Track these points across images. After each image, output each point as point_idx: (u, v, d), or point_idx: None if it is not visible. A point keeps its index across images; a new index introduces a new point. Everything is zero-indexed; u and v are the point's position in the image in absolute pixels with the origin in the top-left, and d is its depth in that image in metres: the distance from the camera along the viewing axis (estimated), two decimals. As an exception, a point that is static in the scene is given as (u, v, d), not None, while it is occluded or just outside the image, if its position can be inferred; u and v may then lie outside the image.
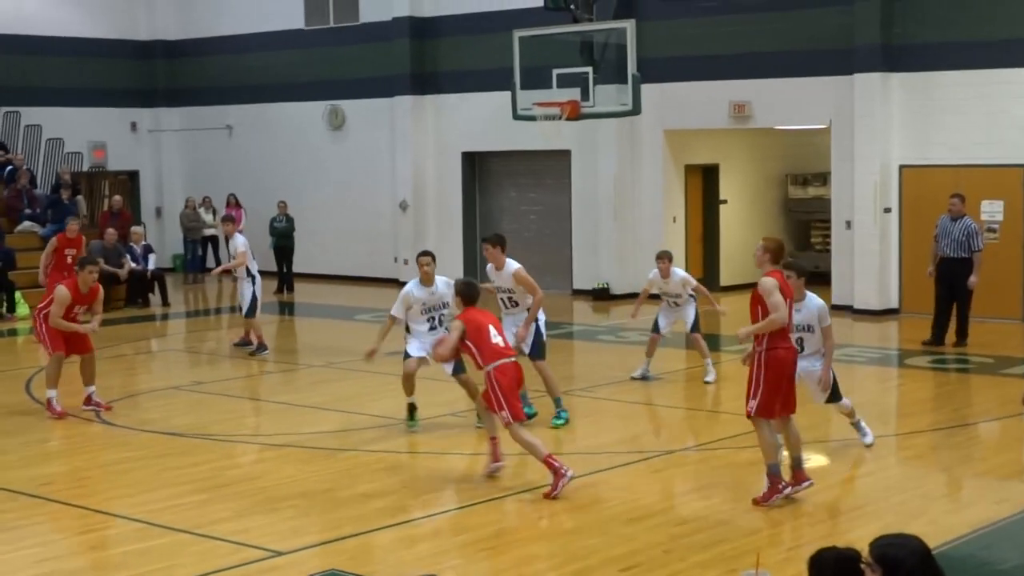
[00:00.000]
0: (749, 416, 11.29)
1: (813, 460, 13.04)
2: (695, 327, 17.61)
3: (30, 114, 31.01)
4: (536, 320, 14.56)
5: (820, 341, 12.76)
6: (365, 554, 10.16)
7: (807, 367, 12.63)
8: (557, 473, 11.51)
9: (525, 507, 11.42)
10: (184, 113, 34.05)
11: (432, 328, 14.28)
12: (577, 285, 27.39)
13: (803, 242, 29.05)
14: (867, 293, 23.75)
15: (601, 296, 26.49)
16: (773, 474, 11.25)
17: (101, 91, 32.85)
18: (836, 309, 24.01)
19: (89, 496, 11.99)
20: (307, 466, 12.95)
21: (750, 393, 11.22)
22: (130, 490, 12.09)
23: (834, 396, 13.01)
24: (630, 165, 26.71)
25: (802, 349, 12.50)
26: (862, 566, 5.72)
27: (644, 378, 17.46)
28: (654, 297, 17.93)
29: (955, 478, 12.69)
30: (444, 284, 14.20)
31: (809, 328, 12.71)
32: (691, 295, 17.67)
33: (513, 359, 12.01)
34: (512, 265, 14.55)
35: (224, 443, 13.74)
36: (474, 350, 11.84)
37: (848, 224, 24.12)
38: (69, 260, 21.47)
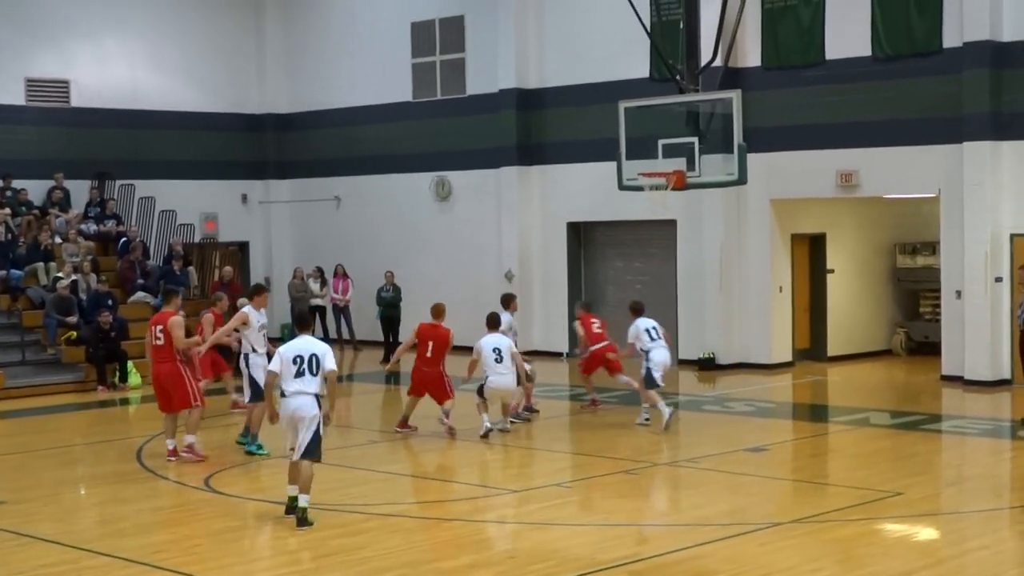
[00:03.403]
0: None
1: (923, 533, 12.88)
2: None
3: (144, 186, 31.63)
4: None
5: None
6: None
7: None
8: None
9: (630, 579, 11.36)
10: (293, 185, 34.55)
11: None
12: (683, 355, 27.25)
13: (912, 312, 28.72)
14: (978, 364, 23.39)
15: (707, 366, 26.35)
16: None
17: (213, 163, 33.47)
18: (947, 380, 23.74)
19: (199, 564, 12.12)
20: (412, 536, 13.00)
21: None
22: (238, 559, 12.21)
23: None
24: (736, 234, 26.62)
25: None
26: None
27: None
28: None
29: (1070, 553, 12.44)
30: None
31: None
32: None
33: None
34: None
35: (330, 512, 13.83)
36: None
37: (958, 294, 23.81)
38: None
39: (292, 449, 13.48)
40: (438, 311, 19.39)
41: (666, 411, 18.83)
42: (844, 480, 15.57)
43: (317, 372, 13.35)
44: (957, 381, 23.36)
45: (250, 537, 13.07)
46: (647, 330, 19.77)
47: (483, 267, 30.45)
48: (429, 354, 18.88)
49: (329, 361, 13.41)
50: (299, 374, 13.31)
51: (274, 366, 13.50)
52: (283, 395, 13.36)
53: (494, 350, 18.70)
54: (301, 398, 13.29)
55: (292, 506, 13.37)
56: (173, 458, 16.76)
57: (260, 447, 17.30)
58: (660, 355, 19.61)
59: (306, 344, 13.53)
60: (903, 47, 24.19)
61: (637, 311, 20.26)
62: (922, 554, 12.22)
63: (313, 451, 13.36)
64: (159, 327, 16.76)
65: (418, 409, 19.13)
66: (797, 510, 14.11)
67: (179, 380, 16.70)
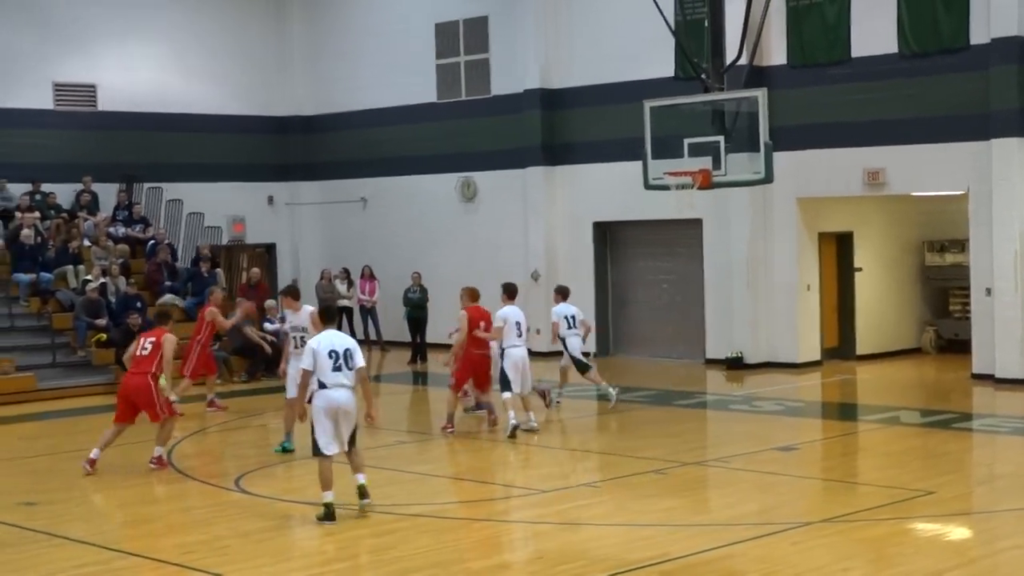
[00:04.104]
0: None
1: (955, 532, 12.82)
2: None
3: (172, 189, 31.75)
4: None
5: None
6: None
7: None
8: None
9: (661, 579, 11.35)
10: (320, 186, 34.61)
11: None
12: (710, 354, 27.21)
13: (941, 310, 28.60)
14: (1009, 361, 23.25)
15: (734, 365, 26.28)
16: None
17: (239, 166, 33.55)
18: (977, 378, 23.63)
19: (230, 564, 12.14)
20: (442, 536, 13.00)
21: None
22: (268, 560, 12.23)
23: None
24: (763, 233, 26.55)
25: None
26: None
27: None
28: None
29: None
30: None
31: None
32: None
33: None
34: (307, 308, 17.56)
35: (360, 513, 13.80)
36: None
37: (988, 291, 23.69)
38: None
39: (318, 447, 13.52)
40: (476, 294, 19.49)
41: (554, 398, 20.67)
42: (875, 479, 15.50)
43: (351, 367, 13.46)
44: (988, 379, 23.25)
45: (281, 538, 13.09)
46: (566, 317, 20.82)
47: (509, 267, 30.36)
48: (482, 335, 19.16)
49: (359, 357, 13.62)
50: (336, 368, 13.46)
51: (308, 363, 13.55)
52: (322, 387, 13.42)
53: (516, 323, 18.85)
54: (343, 391, 13.47)
55: (329, 513, 13.39)
56: (90, 468, 16.46)
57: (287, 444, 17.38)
58: (573, 343, 20.91)
59: (337, 338, 13.69)
60: (930, 44, 24.08)
61: (563, 295, 21.35)
62: (954, 553, 12.17)
63: (355, 441, 13.72)
64: (150, 339, 16.67)
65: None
66: (827, 509, 14.05)
67: (148, 394, 16.42)
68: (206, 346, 22.21)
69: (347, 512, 13.68)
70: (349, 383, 13.51)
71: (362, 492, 13.71)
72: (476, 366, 19.04)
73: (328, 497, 13.41)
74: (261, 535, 13.18)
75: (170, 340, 16.68)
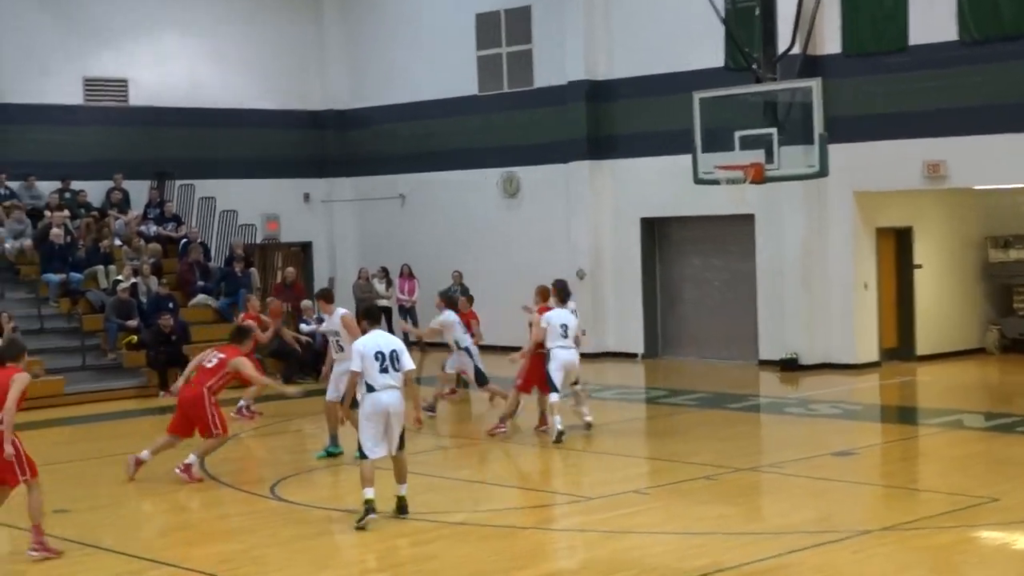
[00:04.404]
0: None
1: (1022, 541, 12.68)
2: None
3: (204, 186, 31.86)
4: None
5: None
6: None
7: None
8: None
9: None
10: (357, 183, 34.65)
11: None
12: (763, 355, 27.08)
13: (1005, 308, 28.37)
14: (1076, 361, 23.07)
15: (789, 367, 26.14)
16: None
17: (274, 162, 33.64)
18: (1042, 379, 23.44)
19: (266, 573, 12.16)
20: (484, 544, 12.96)
21: None
22: (305, 569, 12.22)
23: None
24: (818, 229, 26.39)
25: None
26: None
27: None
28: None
29: None
30: None
31: None
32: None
33: None
34: (339, 311, 17.13)
35: (400, 521, 13.81)
36: None
37: (1054, 288, 23.49)
38: None
39: (363, 451, 13.58)
40: (547, 292, 19.50)
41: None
42: (936, 485, 15.39)
43: (398, 368, 13.52)
44: (1053, 379, 23.08)
45: (319, 546, 13.08)
46: (561, 326, 18.92)
47: (553, 266, 30.27)
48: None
49: (407, 359, 13.73)
50: (384, 370, 13.54)
51: (356, 365, 13.62)
52: (371, 390, 13.45)
53: (561, 325, 18.73)
54: (393, 392, 13.56)
55: (370, 509, 13.47)
56: (134, 468, 16.47)
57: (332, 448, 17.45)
58: (563, 359, 18.90)
59: (383, 339, 13.79)
60: (991, 30, 23.90)
61: (561, 296, 19.64)
62: (1021, 563, 12.04)
63: (403, 444, 13.81)
64: (221, 354, 16.65)
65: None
66: (887, 517, 13.92)
67: (201, 407, 16.43)
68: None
69: (387, 520, 13.65)
70: (397, 384, 13.60)
71: (401, 506, 13.78)
72: (540, 372, 18.96)
73: (369, 494, 13.47)
74: (298, 543, 13.18)
75: (244, 363, 16.65)
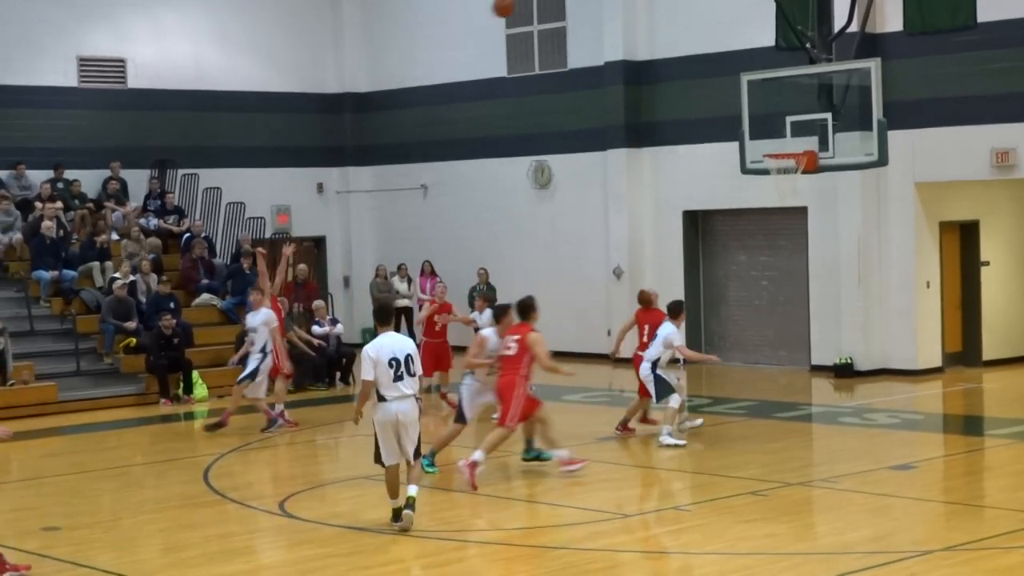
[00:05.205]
0: None
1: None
2: None
3: (209, 176, 31.94)
4: None
5: None
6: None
7: None
8: None
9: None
10: (375, 172, 34.74)
11: None
12: (816, 360, 27.07)
13: (1081, 309, 28.33)
14: None
15: (843, 372, 26.13)
16: None
17: (285, 150, 33.75)
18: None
19: (273, 597, 12.25)
20: (513, 566, 13.01)
21: None
22: (317, 591, 12.30)
23: None
24: (876, 223, 26.38)
25: None
26: None
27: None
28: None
29: None
30: None
31: None
32: None
33: None
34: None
35: (420, 539, 13.87)
36: None
37: None
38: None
39: (382, 460, 13.99)
40: (647, 297, 20.09)
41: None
42: (1003, 502, 15.37)
43: (414, 372, 13.64)
44: None
45: (331, 567, 13.14)
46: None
47: (588, 263, 30.43)
48: (645, 338, 19.61)
49: (420, 363, 14.10)
50: (398, 377, 13.72)
51: (368, 373, 13.81)
52: (382, 399, 13.64)
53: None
54: (405, 402, 13.78)
55: (398, 515, 13.86)
56: (470, 474, 16.57)
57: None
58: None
59: (396, 342, 13.92)
60: (1068, 6, 23.85)
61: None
62: (1095, 587, 12.04)
63: (419, 452, 14.12)
64: (514, 337, 16.97)
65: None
66: (950, 536, 13.92)
67: (510, 395, 16.90)
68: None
69: (407, 538, 13.72)
70: (412, 392, 13.77)
71: (409, 503, 13.92)
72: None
73: (396, 504, 13.91)
74: (308, 564, 13.25)
75: (537, 340, 16.85)
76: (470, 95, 32.53)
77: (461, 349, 21.11)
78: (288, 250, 23.44)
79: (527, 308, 17.34)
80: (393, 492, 13.96)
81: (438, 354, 22.79)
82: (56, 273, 27.26)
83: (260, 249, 24.85)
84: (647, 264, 29.71)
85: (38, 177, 29.88)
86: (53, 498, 17.00)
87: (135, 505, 16.52)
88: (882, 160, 20.97)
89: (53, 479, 18.38)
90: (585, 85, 30.37)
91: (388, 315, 14.60)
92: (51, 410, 24.08)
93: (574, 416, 21.58)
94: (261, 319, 21.33)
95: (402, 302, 30.86)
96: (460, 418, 17.56)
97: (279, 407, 21.91)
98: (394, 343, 13.87)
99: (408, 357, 13.78)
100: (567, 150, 30.90)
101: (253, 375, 21.17)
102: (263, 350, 21.23)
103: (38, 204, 28.76)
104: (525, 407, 16.74)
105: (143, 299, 26.95)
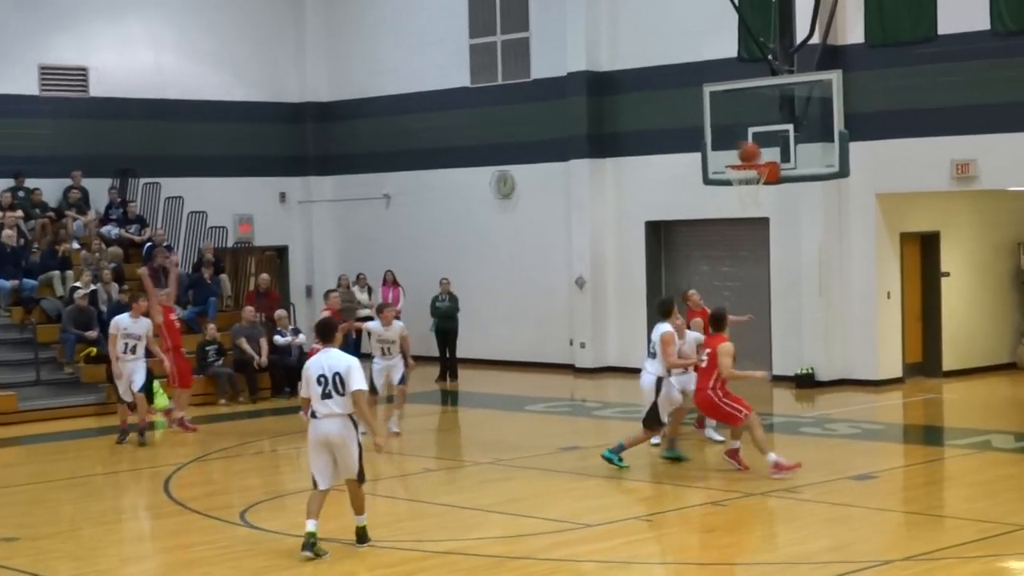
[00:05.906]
0: None
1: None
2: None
3: (171, 185, 31.83)
4: None
5: None
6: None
7: None
8: None
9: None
10: (337, 182, 34.71)
11: None
12: (777, 370, 27.14)
13: (1040, 320, 28.50)
14: (1116, 377, 23.15)
15: (805, 383, 26.22)
16: None
17: (247, 159, 33.68)
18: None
19: (233, 608, 12.19)
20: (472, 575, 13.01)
21: None
22: (278, 602, 12.25)
23: None
24: (837, 234, 26.48)
25: None
26: None
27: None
28: None
29: None
30: None
31: None
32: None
33: None
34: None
35: (380, 550, 13.84)
36: None
37: (1092, 299, 23.58)
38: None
39: (315, 480, 13.63)
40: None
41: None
42: (963, 512, 15.43)
43: (344, 391, 13.38)
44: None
45: (291, 578, 13.12)
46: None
47: (551, 272, 30.46)
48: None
49: (355, 379, 13.33)
50: (326, 395, 13.37)
51: (303, 390, 13.65)
52: (314, 415, 13.48)
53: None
54: (330, 421, 13.39)
55: (311, 542, 13.38)
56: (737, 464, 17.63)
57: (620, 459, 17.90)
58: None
59: (329, 360, 13.49)
60: (1027, 20, 23.99)
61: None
62: (1054, 596, 12.11)
63: (359, 472, 13.64)
64: (708, 349, 17.63)
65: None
66: (910, 546, 13.97)
67: (715, 408, 17.68)
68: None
69: (368, 549, 13.69)
70: (341, 411, 13.39)
71: (361, 536, 13.79)
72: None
73: (310, 526, 13.40)
74: (270, 574, 13.20)
75: (725, 350, 17.36)
76: (433, 105, 32.53)
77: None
78: (175, 258, 25.55)
79: (720, 319, 17.80)
80: (310, 512, 13.47)
81: None
82: (16, 282, 27.17)
83: (144, 269, 25.53)
84: (609, 274, 29.76)
85: (-2, 186, 29.79)
86: (12, 508, 16.90)
87: (95, 515, 16.44)
88: (843, 171, 21.04)
89: (12, 489, 18.27)
90: (548, 95, 30.41)
91: (327, 331, 14.15)
92: (11, 420, 23.96)
93: (535, 426, 21.58)
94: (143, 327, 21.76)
95: (363, 312, 30.79)
96: (657, 422, 17.89)
97: (180, 414, 22.76)
98: (327, 360, 13.52)
99: (337, 376, 13.31)
100: (530, 160, 30.93)
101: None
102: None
103: (-2, 213, 28.67)
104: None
105: (104, 308, 26.81)
